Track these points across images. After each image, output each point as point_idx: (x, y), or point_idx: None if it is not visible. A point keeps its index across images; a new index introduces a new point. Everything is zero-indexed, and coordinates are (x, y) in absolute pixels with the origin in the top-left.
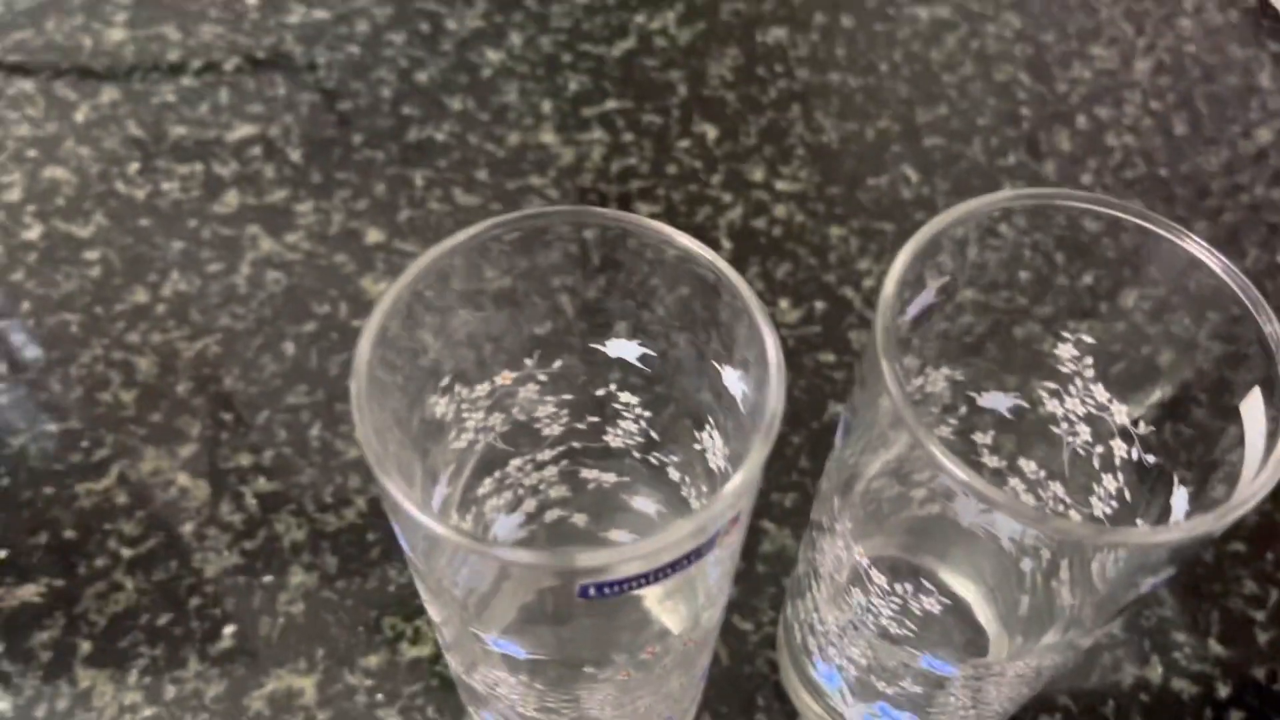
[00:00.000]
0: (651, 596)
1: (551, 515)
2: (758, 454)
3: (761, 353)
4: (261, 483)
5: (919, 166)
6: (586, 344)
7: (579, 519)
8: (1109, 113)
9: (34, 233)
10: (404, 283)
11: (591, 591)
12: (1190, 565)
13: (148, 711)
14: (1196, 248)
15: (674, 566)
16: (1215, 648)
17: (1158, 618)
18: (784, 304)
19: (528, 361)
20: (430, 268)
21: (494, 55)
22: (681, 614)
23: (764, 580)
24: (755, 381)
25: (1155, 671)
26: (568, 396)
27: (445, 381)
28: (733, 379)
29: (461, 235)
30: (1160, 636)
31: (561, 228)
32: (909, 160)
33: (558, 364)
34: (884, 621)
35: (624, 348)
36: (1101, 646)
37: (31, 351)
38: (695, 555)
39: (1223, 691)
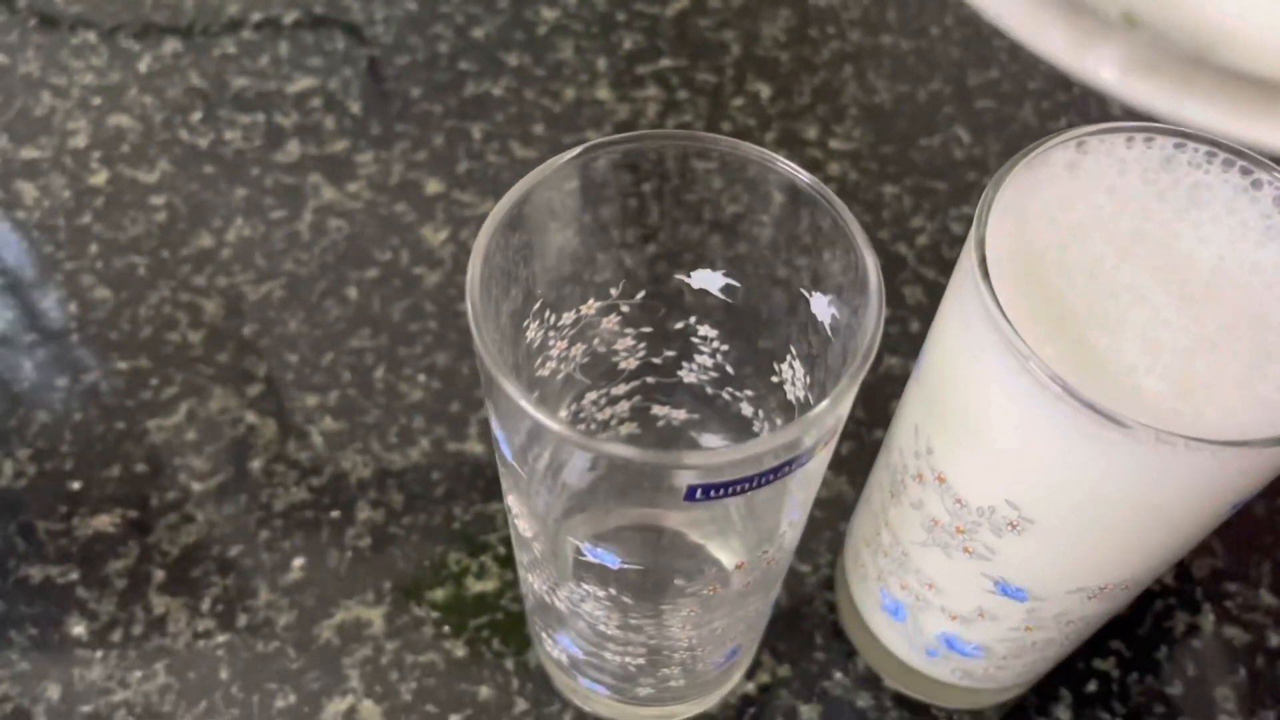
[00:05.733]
0: (741, 510)
1: None
2: (858, 370)
3: (860, 275)
4: (328, 421)
5: (971, 128)
6: (672, 274)
7: None
8: None
9: (100, 178)
10: (505, 205)
11: (698, 494)
12: (1241, 518)
13: (221, 638)
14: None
15: (775, 472)
16: (1266, 597)
17: (1210, 568)
18: None
19: (613, 291)
20: (528, 190)
21: (549, 13)
22: (763, 533)
23: (821, 525)
24: (850, 306)
25: (1207, 619)
26: (646, 329)
27: (537, 306)
28: (821, 305)
29: (564, 156)
30: (1212, 585)
31: (661, 150)
32: (961, 121)
33: (640, 295)
34: (961, 538)
35: (708, 278)
36: (1154, 594)
37: (100, 293)
38: (795, 463)
39: (1274, 640)
